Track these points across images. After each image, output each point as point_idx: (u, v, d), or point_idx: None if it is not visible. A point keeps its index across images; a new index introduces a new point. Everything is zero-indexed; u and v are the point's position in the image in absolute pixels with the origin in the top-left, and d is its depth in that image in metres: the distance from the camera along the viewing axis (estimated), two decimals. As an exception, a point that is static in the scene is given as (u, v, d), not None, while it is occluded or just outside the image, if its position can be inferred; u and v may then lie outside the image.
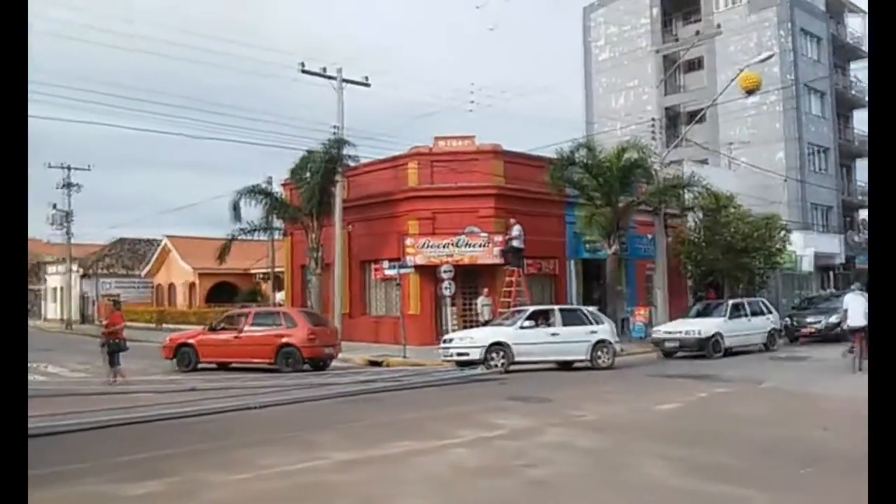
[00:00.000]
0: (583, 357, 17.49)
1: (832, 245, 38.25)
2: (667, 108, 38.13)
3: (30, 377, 15.04)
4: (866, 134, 42.61)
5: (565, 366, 17.67)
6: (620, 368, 17.68)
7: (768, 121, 36.85)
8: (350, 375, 15.71)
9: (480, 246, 23.12)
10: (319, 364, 18.41)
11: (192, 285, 44.84)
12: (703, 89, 38.52)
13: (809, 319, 24.58)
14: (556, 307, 19.01)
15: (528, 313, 17.96)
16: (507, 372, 16.34)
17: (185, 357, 18.70)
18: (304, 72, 22.37)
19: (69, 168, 42.52)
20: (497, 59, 79.97)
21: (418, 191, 24.36)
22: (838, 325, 23.09)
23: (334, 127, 23.34)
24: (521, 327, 17.30)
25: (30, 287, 62.58)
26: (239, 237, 25.32)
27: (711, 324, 20.23)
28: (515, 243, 22.59)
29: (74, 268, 46.99)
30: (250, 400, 11.87)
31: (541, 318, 17.90)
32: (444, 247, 23.22)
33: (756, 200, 30.22)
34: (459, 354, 17.05)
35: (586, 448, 8.17)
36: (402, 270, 22.56)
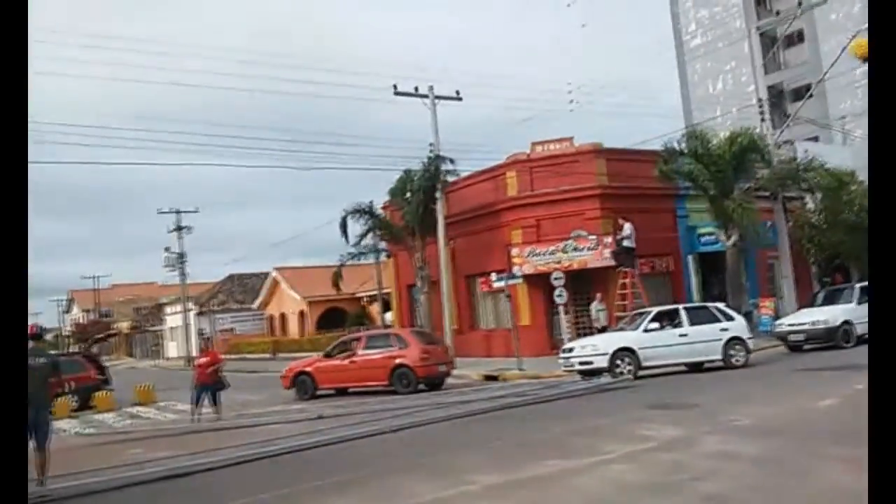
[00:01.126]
0: (716, 357, 16.45)
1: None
2: (769, 88, 36.20)
3: (162, 416, 15.53)
4: None
5: (695, 367, 16.71)
6: (754, 366, 16.56)
7: (884, 88, 34.32)
8: (473, 392, 15.39)
9: (589, 249, 22.41)
10: (435, 382, 18.29)
11: (302, 313, 45.92)
12: (805, 63, 36.46)
13: None
14: (681, 306, 18.01)
15: (652, 315, 17.08)
16: (636, 378, 15.58)
17: (303, 385, 19.12)
18: (397, 93, 22.44)
19: (179, 212, 44.49)
20: (588, 58, 78.77)
21: (519, 199, 23.92)
22: None
23: (430, 144, 23.26)
24: (646, 330, 16.46)
25: (151, 328, 65.94)
26: (348, 262, 25.62)
27: (839, 311, 18.68)
28: (626, 243, 21.73)
29: (190, 306, 48.99)
30: (381, 424, 11.68)
31: (666, 319, 16.99)
32: (551, 253, 22.66)
33: (879, 174, 28.09)
34: (582, 364, 16.40)
35: (755, 456, 7.45)
36: (511, 281, 22.09)
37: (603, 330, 21.87)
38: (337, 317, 43.69)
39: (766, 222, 25.14)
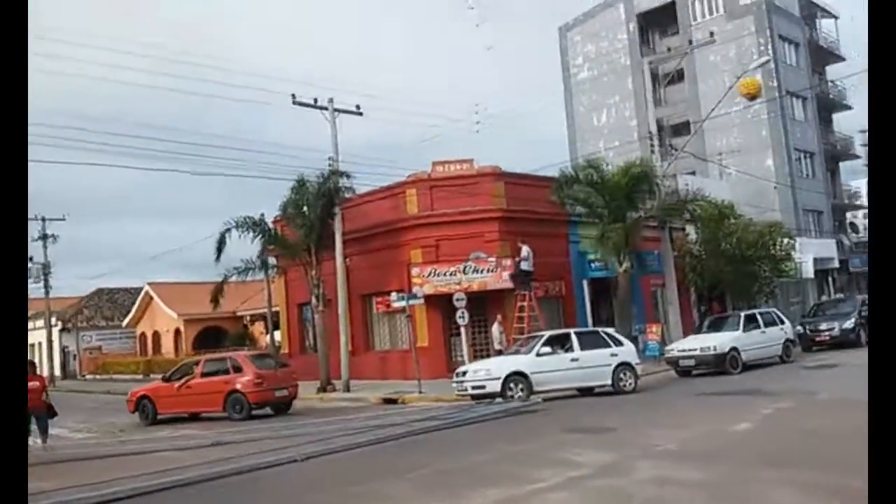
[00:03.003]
0: (606, 382, 16.59)
1: (827, 250, 38.27)
2: (648, 124, 38.02)
3: (32, 442, 13.94)
4: (848, 136, 43.04)
5: (586, 392, 16.87)
6: (644, 391, 16.92)
7: (754, 129, 36.88)
8: (380, 418, 14.81)
9: (489, 271, 22.44)
10: (276, 407, 18.25)
11: (178, 332, 43.46)
12: (685, 101, 38.57)
13: (823, 326, 23.83)
14: (572, 331, 18.16)
15: (544, 339, 17.09)
16: (527, 402, 15.48)
17: (144, 410, 18.88)
18: (295, 103, 21.68)
19: (44, 219, 41.15)
20: (485, 82, 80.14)
21: (420, 218, 23.67)
22: (854, 329, 22.89)
23: (329, 158, 22.61)
24: (539, 354, 16.42)
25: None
26: (232, 277, 24.27)
27: (727, 338, 19.39)
28: (524, 266, 21.93)
29: (53, 321, 45.28)
30: (290, 452, 10.91)
31: (558, 344, 17.06)
32: (451, 274, 22.52)
33: (750, 209, 30.07)
34: (475, 388, 16.17)
35: (697, 481, 7.42)
36: (412, 302, 21.70)
37: (499, 353, 21.94)
38: (216, 336, 41.60)
39: (653, 251, 26.20)
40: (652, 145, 25.50)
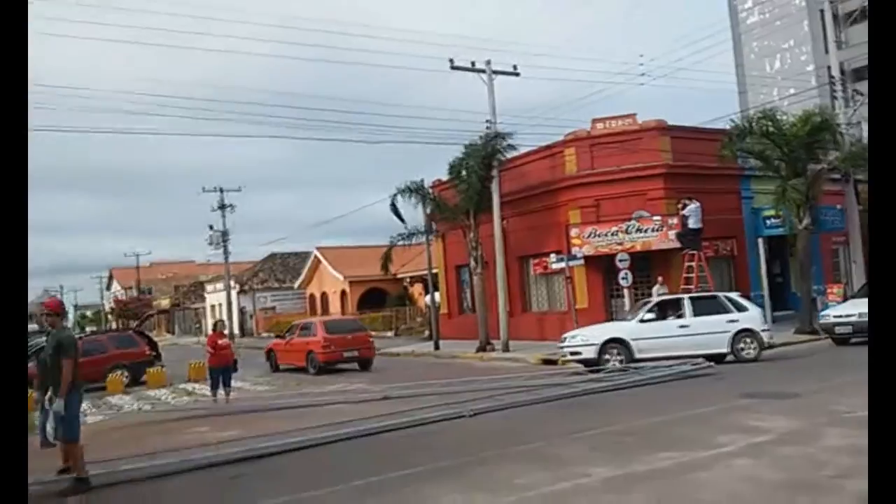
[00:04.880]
0: (722, 350, 15.51)
1: None
2: (828, 67, 34.73)
3: (218, 394, 15.17)
4: None
5: (713, 359, 15.45)
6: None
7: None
8: (542, 378, 14.77)
9: (653, 230, 21.57)
10: (361, 364, 21.02)
11: (343, 293, 45.69)
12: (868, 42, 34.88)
13: None
14: (685, 296, 17.17)
15: (650, 304, 16.52)
16: (697, 365, 14.70)
17: (270, 360, 23.30)
18: (453, 68, 21.77)
19: (222, 190, 44.38)
20: (647, 32, 76.98)
21: (578, 178, 23.14)
22: None
23: (487, 121, 22.56)
24: (643, 321, 15.82)
25: (191, 306, 66.45)
26: (399, 243, 25.08)
27: None
28: (692, 223, 20.82)
29: (232, 284, 49.04)
30: (457, 408, 11.11)
31: (668, 310, 16.31)
32: (612, 235, 21.87)
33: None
34: (572, 353, 15.98)
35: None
36: (572, 263, 21.43)
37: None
38: (378, 297, 43.39)
39: (835, 206, 24.13)
40: (834, 91, 23.35)
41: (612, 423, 9.56)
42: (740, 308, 16.20)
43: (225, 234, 45.26)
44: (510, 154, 22.91)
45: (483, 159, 22.31)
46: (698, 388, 12.27)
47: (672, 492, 6.11)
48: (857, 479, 6.00)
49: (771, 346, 16.62)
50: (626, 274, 20.03)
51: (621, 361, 15.34)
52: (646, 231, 21.61)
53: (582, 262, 21.65)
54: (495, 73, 22.67)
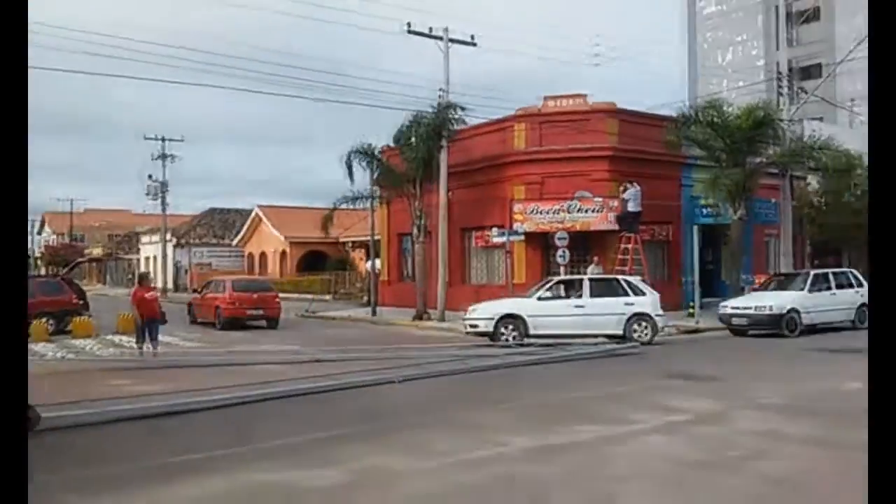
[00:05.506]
0: (616, 332, 15.77)
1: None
2: (777, 64, 35.58)
3: (145, 347, 14.82)
4: None
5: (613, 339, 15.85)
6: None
7: (894, 74, 33.91)
8: (476, 348, 14.94)
9: (594, 211, 21.86)
10: (251, 324, 21.93)
11: (283, 254, 45.16)
12: (819, 42, 35.81)
13: None
14: (585, 277, 17.59)
15: (549, 284, 16.96)
16: (624, 344, 15.13)
17: (190, 313, 24.24)
18: (410, 32, 21.48)
19: (164, 139, 43.11)
20: (604, 13, 77.13)
21: (526, 154, 23.23)
22: None
23: (441, 90, 22.40)
24: (540, 298, 16.18)
25: (125, 256, 64.70)
26: (342, 205, 24.80)
27: (787, 298, 17.75)
28: (631, 206, 21.24)
29: (168, 237, 47.89)
30: (388, 374, 11.15)
31: (566, 289, 16.72)
32: (554, 213, 22.08)
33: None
34: (471, 326, 16.32)
35: (805, 437, 7.08)
36: (512, 238, 21.61)
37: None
38: (318, 260, 43.02)
39: (770, 199, 24.85)
40: (780, 87, 23.94)
41: (535, 395, 9.78)
42: (637, 292, 16.40)
43: (164, 184, 44.11)
44: (460, 126, 22.78)
45: (433, 128, 22.16)
46: (622, 367, 12.60)
47: (587, 464, 6.28)
48: (764, 460, 6.29)
49: (694, 331, 17.08)
50: (563, 252, 20.30)
51: (515, 337, 15.62)
52: (587, 211, 21.89)
53: (522, 237, 21.84)
54: (452, 41, 22.47)
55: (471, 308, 17.04)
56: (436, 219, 23.09)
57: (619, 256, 21.31)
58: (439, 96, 22.21)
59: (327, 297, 35.86)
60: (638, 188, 21.11)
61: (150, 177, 43.83)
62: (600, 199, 21.87)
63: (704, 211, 24.08)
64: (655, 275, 23.12)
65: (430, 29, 21.99)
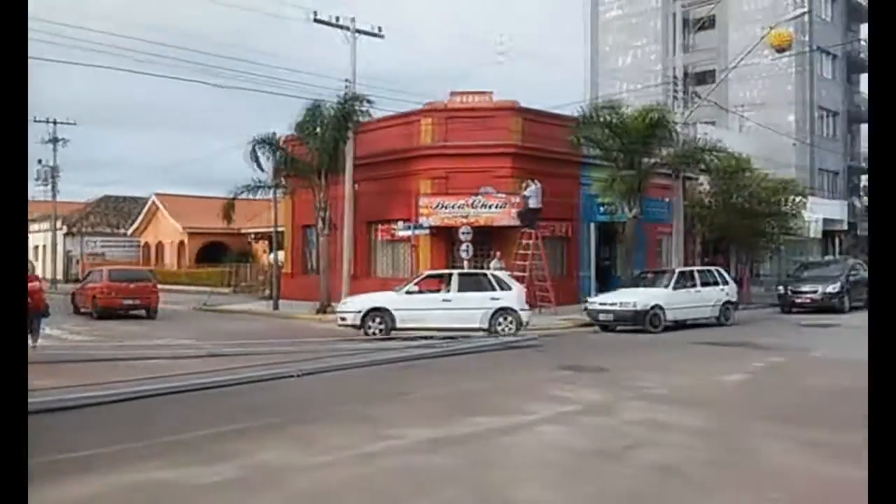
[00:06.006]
0: (477, 325, 15.88)
1: (838, 211, 37.83)
2: (673, 68, 37.08)
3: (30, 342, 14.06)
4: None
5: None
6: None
7: (779, 83, 36.00)
8: (377, 342, 14.93)
9: (497, 207, 22.21)
10: (124, 313, 22.29)
11: (181, 244, 43.66)
12: (712, 49, 37.57)
13: (806, 288, 22.99)
14: (455, 271, 17.85)
15: (419, 278, 17.37)
16: (523, 336, 15.45)
17: (73, 301, 24.44)
18: (316, 21, 21.17)
19: (55, 122, 40.80)
20: (512, 12, 78.00)
21: (432, 148, 23.33)
22: (838, 294, 22.27)
23: (346, 80, 22.20)
24: (408, 292, 16.54)
25: (9, 244, 60.85)
26: (242, 195, 24.18)
27: (651, 295, 18.22)
28: (532, 203, 21.72)
29: (58, 225, 45.43)
30: (286, 368, 10.99)
31: (439, 283, 17.11)
32: (459, 207, 22.28)
33: (765, 164, 29.56)
34: (342, 319, 16.58)
35: (688, 427, 7.44)
36: (418, 231, 21.70)
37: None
38: (218, 251, 41.81)
39: (663, 198, 25.92)
40: (675, 91, 24.97)
41: (433, 387, 9.87)
42: (504, 287, 16.61)
43: (55, 169, 41.79)
44: (366, 118, 22.66)
45: (339, 119, 21.95)
46: (519, 359, 12.89)
47: (481, 455, 6.39)
48: (649, 449, 6.59)
49: (588, 324, 17.56)
50: (467, 247, 20.54)
51: (381, 330, 15.82)
52: (490, 207, 22.23)
53: (428, 231, 21.97)
54: (359, 31, 22.34)
55: (343, 301, 17.13)
56: (341, 211, 22.92)
57: (520, 252, 21.75)
58: (346, 87, 22.02)
59: (227, 289, 34.93)
60: (539, 185, 21.59)
61: (39, 161, 41.40)
62: (503, 196, 22.25)
63: (601, 209, 24.90)
64: (554, 270, 23.80)
65: (337, 18, 21.75)
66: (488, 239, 22.70)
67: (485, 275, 17.54)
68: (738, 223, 26.61)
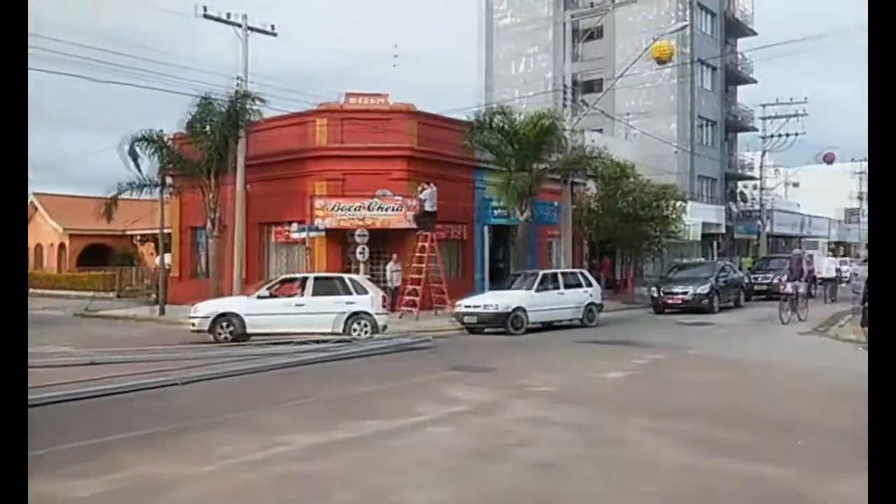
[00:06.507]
0: (335, 330, 15.77)
1: (716, 215, 40.18)
2: (563, 77, 38.31)
3: None
4: (748, 109, 44.90)
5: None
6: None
7: (663, 93, 37.89)
8: (268, 347, 14.65)
9: (394, 210, 22.27)
10: None
11: (61, 247, 41.33)
12: (601, 59, 39.04)
13: (677, 289, 23.32)
14: (310, 275, 17.67)
15: (273, 283, 17.28)
16: (416, 339, 15.54)
17: None
18: (206, 16, 20.56)
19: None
20: (409, 15, 78.05)
21: (328, 150, 23.11)
22: (708, 295, 22.94)
23: (238, 78, 21.68)
24: (259, 297, 16.36)
25: None
26: (125, 193, 23.13)
27: (513, 297, 18.37)
28: (428, 206, 21.91)
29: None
30: (171, 375, 10.65)
31: (295, 288, 16.85)
32: (355, 209, 22.19)
33: (649, 170, 31.06)
34: (192, 325, 16.32)
35: (569, 423, 7.75)
36: (313, 234, 21.46)
37: (395, 291, 22.10)
38: (101, 254, 39.85)
39: (554, 202, 26.75)
40: (565, 99, 25.78)
41: (324, 391, 9.83)
42: (359, 291, 16.38)
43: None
44: (259, 117, 22.19)
45: (229, 117, 21.40)
46: (412, 361, 12.98)
47: (369, 458, 6.43)
48: (531, 447, 6.81)
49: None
50: (363, 249, 20.50)
51: (231, 334, 15.65)
52: (387, 209, 22.26)
53: (323, 233, 21.76)
54: (251, 29, 21.85)
55: (195, 306, 16.69)
56: (232, 212, 22.35)
57: (417, 254, 21.89)
58: (237, 84, 21.50)
59: (110, 294, 33.30)
60: (434, 189, 21.80)
61: None
62: (400, 198, 22.33)
63: (495, 212, 25.48)
64: (450, 272, 24.10)
65: (228, 15, 21.21)
66: (385, 241, 22.71)
67: (341, 279, 17.17)
68: (623, 226, 27.80)
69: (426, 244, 21.93)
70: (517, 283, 19.96)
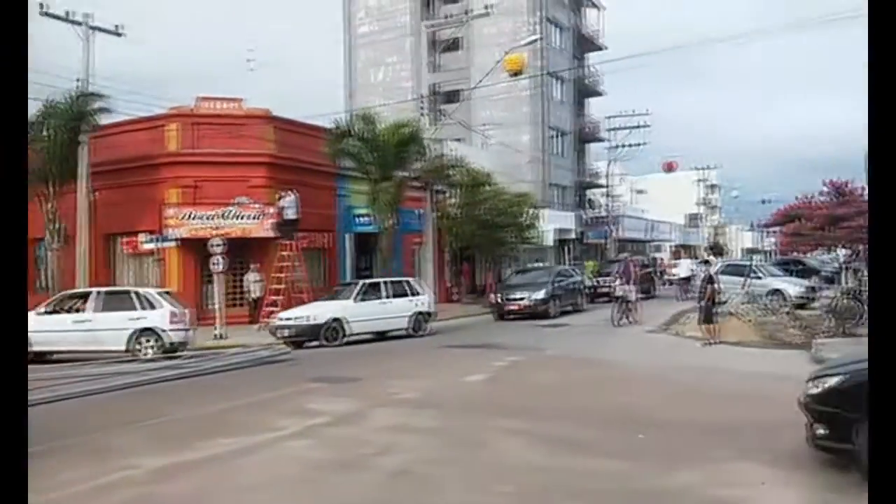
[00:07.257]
0: (119, 348, 14.95)
1: (568, 222, 42.13)
2: (422, 87, 38.89)
3: None
4: (597, 121, 47.41)
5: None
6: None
7: (517, 104, 39.27)
8: (118, 364, 13.89)
9: (253, 218, 21.73)
10: None
11: None
12: (460, 69, 39.93)
13: (516, 295, 23.39)
14: (95, 290, 16.75)
15: (55, 298, 16.51)
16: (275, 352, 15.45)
17: None
18: (45, 14, 19.21)
19: None
20: (266, 20, 76.00)
21: (180, 156, 22.21)
22: (545, 300, 23.09)
23: (78, 79, 20.38)
24: (39, 314, 15.23)
25: None
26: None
27: (330, 308, 17.93)
28: (289, 214, 21.58)
29: None
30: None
31: (80, 303, 15.95)
32: (210, 218, 21.44)
33: (505, 179, 32.16)
34: None
35: (428, 428, 7.92)
36: (163, 244, 20.55)
37: (256, 302, 21.57)
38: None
39: (416, 210, 27.10)
40: (422, 108, 26.22)
41: (178, 409, 9.47)
42: (150, 305, 15.62)
43: None
44: (105, 120, 20.96)
45: (70, 120, 20.07)
46: (272, 374, 12.77)
47: (221, 478, 6.29)
48: (391, 456, 6.89)
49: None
50: (218, 259, 19.80)
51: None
52: (246, 218, 21.68)
53: (175, 243, 20.87)
54: (94, 28, 20.60)
55: None
56: (76, 222, 20.94)
57: (279, 264, 21.48)
58: (77, 85, 20.22)
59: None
60: (296, 196, 21.50)
61: None
62: (259, 206, 21.83)
63: (359, 220, 25.47)
64: (315, 281, 23.78)
65: (68, 13, 19.92)
66: (245, 251, 22.12)
67: (128, 293, 16.42)
68: (482, 233, 28.61)
69: (288, 253, 21.58)
70: (341, 293, 19.41)
